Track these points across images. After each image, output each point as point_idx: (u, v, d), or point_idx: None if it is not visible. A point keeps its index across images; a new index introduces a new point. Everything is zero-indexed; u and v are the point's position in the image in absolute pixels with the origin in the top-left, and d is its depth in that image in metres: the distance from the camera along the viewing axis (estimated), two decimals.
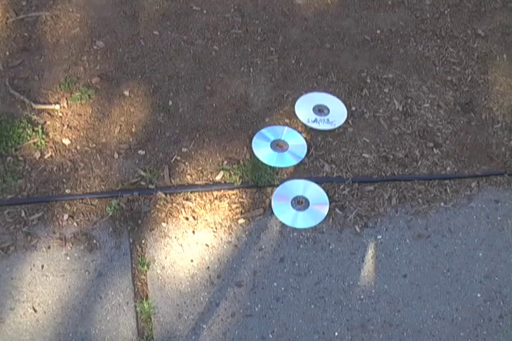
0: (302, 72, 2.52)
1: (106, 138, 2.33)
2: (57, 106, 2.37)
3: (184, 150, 2.33)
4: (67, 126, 2.35)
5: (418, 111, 2.45)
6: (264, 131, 2.40)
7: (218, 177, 2.28)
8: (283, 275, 2.14)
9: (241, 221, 2.20)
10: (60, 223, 2.17)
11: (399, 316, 2.10)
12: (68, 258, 2.12)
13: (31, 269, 2.10)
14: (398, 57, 2.58)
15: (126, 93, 2.44)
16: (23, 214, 2.18)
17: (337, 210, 2.24)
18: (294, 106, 2.41)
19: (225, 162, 2.31)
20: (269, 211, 2.22)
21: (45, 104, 2.38)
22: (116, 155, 2.30)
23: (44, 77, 2.44)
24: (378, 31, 2.63)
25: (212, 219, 2.20)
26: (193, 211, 2.21)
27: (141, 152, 2.31)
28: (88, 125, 2.35)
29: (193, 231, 2.18)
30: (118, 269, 2.12)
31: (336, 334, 2.07)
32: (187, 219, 2.20)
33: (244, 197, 2.24)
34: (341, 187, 2.28)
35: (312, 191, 2.25)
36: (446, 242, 2.22)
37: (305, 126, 2.38)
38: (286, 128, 2.41)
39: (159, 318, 2.05)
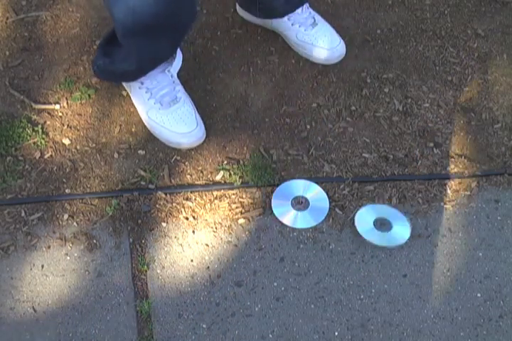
0: (302, 72, 2.52)
1: (106, 138, 2.33)
2: (57, 106, 2.38)
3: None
4: (67, 125, 2.35)
5: (418, 111, 2.45)
6: None
7: (218, 177, 2.28)
8: (283, 275, 2.14)
9: (241, 221, 2.21)
10: (60, 223, 2.17)
11: (399, 316, 2.10)
12: (68, 258, 2.12)
13: (31, 269, 2.10)
14: (398, 57, 2.58)
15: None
16: (23, 213, 2.18)
17: (337, 210, 2.24)
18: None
19: (225, 162, 2.31)
20: (269, 211, 2.22)
21: (45, 103, 2.38)
22: (116, 155, 2.30)
23: (44, 77, 2.44)
24: (378, 31, 2.63)
25: (212, 219, 2.20)
26: (193, 211, 2.21)
27: (141, 152, 2.31)
28: (88, 125, 2.35)
29: (193, 231, 2.18)
30: (118, 269, 2.12)
31: (336, 334, 2.07)
32: (187, 219, 2.20)
33: (244, 197, 2.24)
34: (341, 187, 2.28)
35: (312, 191, 2.25)
36: (446, 242, 2.22)
37: None
38: None
39: (159, 318, 2.05)
